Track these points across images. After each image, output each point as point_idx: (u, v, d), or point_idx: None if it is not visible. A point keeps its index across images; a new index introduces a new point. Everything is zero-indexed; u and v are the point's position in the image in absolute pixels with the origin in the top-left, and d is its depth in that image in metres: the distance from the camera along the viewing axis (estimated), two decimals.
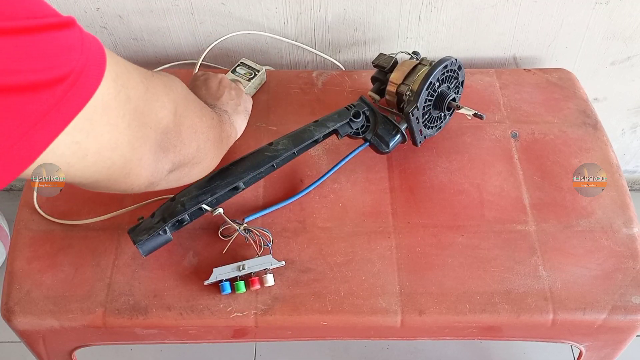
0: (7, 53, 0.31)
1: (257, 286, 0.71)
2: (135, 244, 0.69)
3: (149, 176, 0.50)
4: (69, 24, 0.35)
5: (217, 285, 0.72)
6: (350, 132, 0.78)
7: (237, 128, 0.79)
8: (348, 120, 0.77)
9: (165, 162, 0.51)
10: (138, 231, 0.70)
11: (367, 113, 0.79)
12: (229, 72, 0.94)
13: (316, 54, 1.02)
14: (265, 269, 0.72)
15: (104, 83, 0.38)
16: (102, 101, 0.38)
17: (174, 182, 0.58)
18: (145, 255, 0.70)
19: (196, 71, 0.93)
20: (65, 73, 0.34)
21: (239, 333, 0.73)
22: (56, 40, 0.34)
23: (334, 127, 0.77)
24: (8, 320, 0.71)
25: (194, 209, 0.70)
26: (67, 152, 0.37)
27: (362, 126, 0.79)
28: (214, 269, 0.71)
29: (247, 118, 0.83)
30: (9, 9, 0.31)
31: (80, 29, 0.37)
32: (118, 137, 0.42)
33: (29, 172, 0.36)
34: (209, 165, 0.65)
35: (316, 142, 0.78)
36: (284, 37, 0.99)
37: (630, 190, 0.84)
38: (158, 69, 0.97)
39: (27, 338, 0.74)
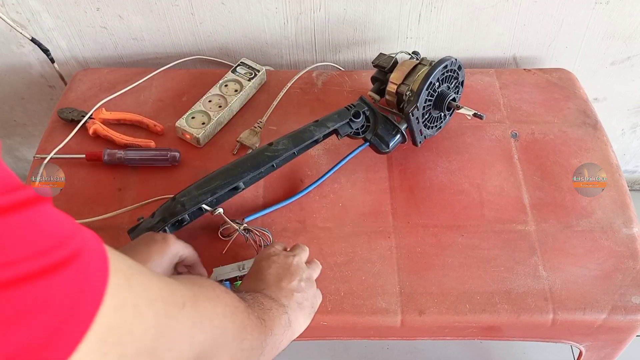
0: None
1: None
2: None
3: None
4: (67, 260, 0.28)
5: None
6: (350, 132, 0.78)
7: (294, 328, 0.62)
8: (348, 120, 0.77)
9: None
10: (138, 231, 0.70)
11: (367, 113, 0.79)
12: (229, 72, 0.94)
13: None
14: None
15: (85, 344, 0.28)
16: None
17: None
18: None
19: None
20: (27, 343, 0.26)
21: None
22: (38, 293, 0.26)
23: (334, 127, 0.77)
24: None
25: (194, 209, 0.70)
26: None
27: (362, 126, 0.79)
28: (214, 269, 0.71)
29: (311, 316, 0.66)
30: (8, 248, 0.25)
31: (82, 267, 0.29)
32: None
33: None
34: None
35: (316, 142, 0.78)
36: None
37: (630, 190, 0.84)
38: (158, 70, 0.97)
39: None
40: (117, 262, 0.31)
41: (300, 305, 0.64)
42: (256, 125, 0.88)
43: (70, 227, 0.29)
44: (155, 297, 0.34)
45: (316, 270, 0.70)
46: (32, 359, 0.26)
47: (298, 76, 0.95)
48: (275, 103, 0.91)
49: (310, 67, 0.97)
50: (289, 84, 0.94)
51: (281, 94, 0.92)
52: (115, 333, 0.30)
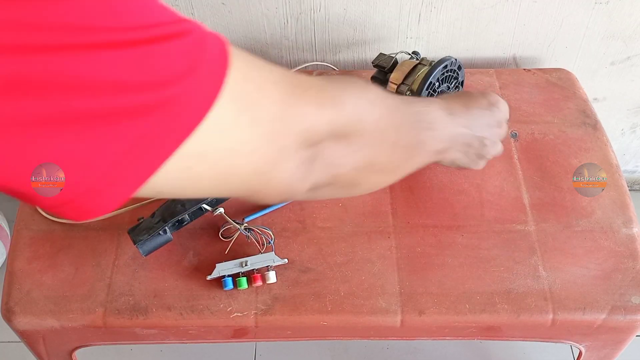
0: (116, 69, 0.27)
1: (259, 283, 0.71)
2: (135, 244, 0.69)
3: (282, 192, 0.42)
4: (184, 32, 0.31)
5: (217, 285, 0.72)
6: None
7: (449, 158, 0.64)
8: None
9: (307, 183, 0.43)
10: (138, 231, 0.70)
11: None
12: None
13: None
14: (267, 266, 0.72)
15: (221, 104, 0.32)
16: (218, 125, 0.33)
17: (312, 197, 0.49)
18: (145, 255, 0.71)
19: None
20: (179, 92, 0.30)
21: (239, 333, 0.73)
22: (169, 53, 0.30)
23: None
24: (8, 320, 0.72)
25: (194, 208, 0.70)
26: (180, 175, 0.33)
27: None
28: (217, 264, 0.72)
29: (464, 161, 0.66)
30: (121, 15, 0.28)
31: (201, 31, 0.32)
32: (239, 163, 0.36)
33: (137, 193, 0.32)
34: (367, 189, 0.55)
35: None
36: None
37: (629, 190, 0.84)
38: None
39: (27, 338, 0.74)
40: (236, 50, 0.34)
41: (459, 151, 0.63)
42: None
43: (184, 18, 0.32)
44: (276, 79, 0.38)
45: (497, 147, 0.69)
46: (184, 103, 0.30)
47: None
48: None
49: (301, 66, 0.97)
50: None
51: None
52: (245, 98, 0.35)
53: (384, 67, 0.84)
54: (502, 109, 0.68)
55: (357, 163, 0.47)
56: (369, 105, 0.47)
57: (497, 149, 0.68)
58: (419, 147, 0.55)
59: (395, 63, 0.84)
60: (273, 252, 0.73)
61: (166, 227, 0.70)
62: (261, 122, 0.36)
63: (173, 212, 0.70)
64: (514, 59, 1.05)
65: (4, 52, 0.24)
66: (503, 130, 0.69)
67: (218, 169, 0.35)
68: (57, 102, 0.26)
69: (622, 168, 1.10)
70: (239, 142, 0.35)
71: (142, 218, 0.72)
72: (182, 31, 0.31)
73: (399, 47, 1.02)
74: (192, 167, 0.33)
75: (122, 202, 0.31)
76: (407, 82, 0.80)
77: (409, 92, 0.79)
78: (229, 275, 0.71)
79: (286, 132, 0.38)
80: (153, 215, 0.71)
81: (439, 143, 0.59)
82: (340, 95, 0.44)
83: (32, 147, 0.27)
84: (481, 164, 0.68)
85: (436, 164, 0.84)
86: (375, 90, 0.49)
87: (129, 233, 0.71)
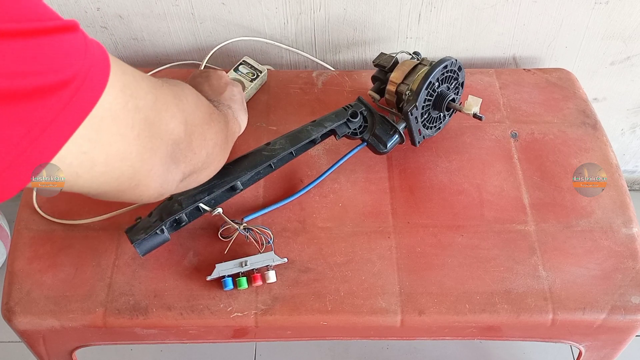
0: (11, 56, 0.30)
1: (259, 282, 0.71)
2: (132, 243, 0.69)
3: (158, 187, 0.49)
4: (72, 27, 0.35)
5: (217, 285, 0.72)
6: (348, 133, 0.78)
7: (240, 123, 0.78)
8: (345, 120, 0.78)
9: (176, 172, 0.51)
10: (135, 231, 0.70)
11: (365, 113, 0.79)
12: (231, 70, 0.94)
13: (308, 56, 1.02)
14: (267, 266, 0.72)
15: (111, 92, 0.37)
16: (110, 110, 0.38)
17: (182, 189, 0.57)
18: (143, 255, 0.70)
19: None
20: (70, 77, 0.33)
21: (239, 333, 0.73)
22: (60, 43, 0.33)
23: (332, 127, 0.77)
24: (8, 320, 0.72)
25: (191, 207, 0.70)
26: (75, 161, 0.36)
27: (360, 126, 0.79)
28: (216, 265, 0.72)
29: (246, 113, 0.82)
30: (12, 10, 0.31)
31: (84, 33, 0.36)
32: (127, 148, 0.41)
33: None
34: (216, 168, 0.64)
35: (314, 142, 0.77)
36: (281, 42, 0.99)
37: (629, 190, 0.84)
38: (158, 69, 0.97)
39: (28, 338, 0.74)
40: (113, 58, 0.39)
41: (241, 106, 0.79)
42: None
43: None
44: (143, 76, 0.44)
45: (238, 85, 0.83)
46: (77, 87, 0.34)
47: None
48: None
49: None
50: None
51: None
52: (129, 88, 0.40)
53: (385, 67, 0.84)
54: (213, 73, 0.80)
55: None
56: (194, 100, 0.55)
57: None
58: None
59: (396, 63, 0.84)
60: (272, 251, 0.73)
61: (163, 227, 0.69)
62: (142, 109, 0.42)
63: (170, 211, 0.70)
64: (514, 59, 1.05)
65: None
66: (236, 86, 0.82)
67: (111, 155, 0.40)
68: None
69: (622, 168, 1.10)
70: (126, 126, 0.40)
71: (140, 218, 0.72)
72: (70, 26, 0.34)
73: (399, 47, 1.02)
74: (88, 153, 0.37)
75: (21, 187, 0.34)
76: (407, 81, 0.80)
77: (408, 92, 0.79)
78: (228, 276, 0.71)
79: (158, 120, 0.45)
80: (150, 214, 0.71)
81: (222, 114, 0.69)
82: (179, 101, 0.51)
83: None
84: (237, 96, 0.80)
85: (436, 164, 0.84)
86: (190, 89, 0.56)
87: (126, 233, 0.71)
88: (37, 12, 0.33)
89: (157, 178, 0.47)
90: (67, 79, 0.33)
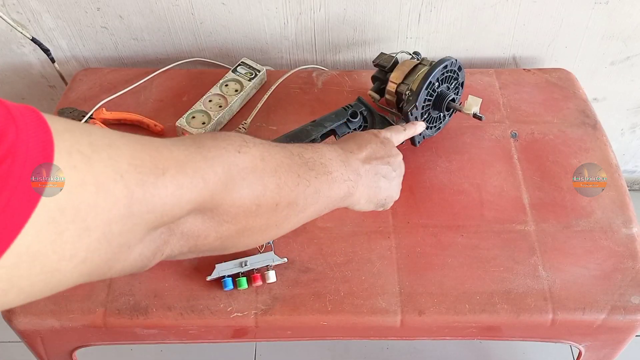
0: None
1: (259, 282, 0.72)
2: None
3: (130, 272, 0.38)
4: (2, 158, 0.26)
5: (217, 285, 0.72)
6: (348, 132, 0.78)
7: (351, 201, 0.59)
8: (345, 120, 0.78)
9: (160, 256, 0.40)
10: None
11: (365, 113, 0.79)
12: (230, 71, 0.94)
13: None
14: (267, 266, 0.72)
15: (32, 226, 0.27)
16: (28, 253, 0.28)
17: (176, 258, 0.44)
18: None
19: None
20: None
21: (239, 333, 0.73)
22: None
23: (331, 127, 0.77)
24: (9, 320, 0.72)
25: None
26: (6, 276, 0.28)
27: (360, 126, 0.79)
28: (216, 265, 0.72)
29: (376, 207, 0.63)
30: None
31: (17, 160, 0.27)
32: (68, 268, 0.31)
33: None
34: (244, 248, 0.50)
35: (313, 142, 0.77)
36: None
37: (629, 190, 0.84)
38: (159, 70, 0.97)
39: (28, 338, 0.74)
40: (72, 143, 0.30)
41: (371, 187, 0.59)
42: (240, 126, 0.88)
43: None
44: (125, 169, 0.33)
45: (402, 167, 0.66)
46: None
47: (286, 76, 0.95)
48: (259, 105, 0.91)
49: (301, 67, 0.97)
50: (274, 86, 0.94)
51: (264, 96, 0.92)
52: (69, 212, 0.29)
53: (385, 67, 0.84)
54: (394, 142, 0.67)
55: (223, 233, 0.43)
56: (240, 171, 0.42)
57: (399, 180, 0.65)
58: (315, 198, 0.51)
59: (396, 63, 0.84)
60: (272, 251, 0.73)
61: None
62: (92, 230, 0.31)
63: None
64: (514, 58, 1.05)
65: None
66: (400, 163, 0.66)
67: (46, 271, 0.30)
68: None
69: (622, 168, 1.10)
70: (58, 259, 0.30)
71: None
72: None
73: (398, 47, 1.02)
74: (11, 279, 0.28)
75: None
76: (407, 81, 0.81)
77: (408, 92, 0.79)
78: (228, 276, 0.72)
79: (130, 228, 0.34)
80: None
81: (342, 184, 0.54)
82: (205, 169, 0.39)
83: None
84: (389, 203, 0.65)
85: (436, 164, 0.84)
86: (254, 151, 0.44)
87: None
88: None
89: (125, 270, 0.37)
90: None
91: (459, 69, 0.80)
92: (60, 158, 0.29)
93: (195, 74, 0.98)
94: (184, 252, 0.42)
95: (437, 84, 0.78)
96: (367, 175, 0.59)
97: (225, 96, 0.91)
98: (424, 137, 0.82)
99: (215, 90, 0.92)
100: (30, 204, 0.27)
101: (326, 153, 0.54)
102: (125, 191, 0.32)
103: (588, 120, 0.90)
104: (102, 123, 0.88)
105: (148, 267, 0.39)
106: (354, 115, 0.78)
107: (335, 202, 0.55)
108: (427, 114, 0.80)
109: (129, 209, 0.33)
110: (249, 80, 0.93)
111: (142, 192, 0.33)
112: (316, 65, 1.01)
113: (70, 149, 0.30)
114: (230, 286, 0.71)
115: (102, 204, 0.31)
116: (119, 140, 0.34)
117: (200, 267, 0.74)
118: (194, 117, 0.88)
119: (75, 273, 0.32)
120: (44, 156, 0.28)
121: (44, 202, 0.28)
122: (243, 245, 0.48)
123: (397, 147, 0.67)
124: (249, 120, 0.89)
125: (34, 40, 0.96)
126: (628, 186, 1.01)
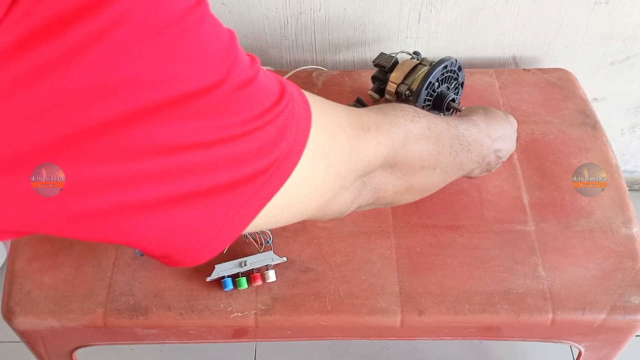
0: (231, 156, 0.31)
1: (259, 282, 0.72)
2: None
3: (333, 216, 0.47)
4: (282, 112, 0.34)
5: (217, 285, 0.72)
6: None
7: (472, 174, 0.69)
8: None
9: (355, 205, 0.48)
10: None
11: None
12: None
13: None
14: (266, 265, 0.72)
15: (303, 158, 0.36)
16: (299, 179, 0.36)
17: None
18: (141, 255, 0.71)
19: None
20: (270, 163, 0.33)
21: (239, 333, 0.73)
22: (269, 134, 0.33)
23: None
24: (9, 320, 0.72)
25: None
26: (262, 223, 0.37)
27: None
28: (216, 265, 0.72)
29: (495, 166, 0.73)
30: (237, 113, 0.31)
31: (291, 104, 0.35)
32: (311, 204, 0.41)
33: None
34: (398, 204, 0.59)
35: None
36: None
37: (629, 190, 0.84)
38: None
39: (28, 338, 0.74)
40: (314, 101, 0.38)
41: (490, 166, 0.71)
42: None
43: (280, 85, 0.35)
44: (345, 124, 0.42)
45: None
46: (274, 171, 0.34)
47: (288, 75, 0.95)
48: None
49: (301, 68, 0.97)
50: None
51: None
52: (321, 149, 0.38)
53: (385, 67, 0.84)
54: (515, 122, 0.75)
55: (397, 188, 0.52)
56: (414, 137, 0.51)
57: (504, 160, 0.74)
58: (455, 169, 0.60)
59: (396, 63, 0.84)
60: (272, 251, 0.73)
61: None
62: (332, 167, 0.40)
63: None
64: (514, 59, 1.05)
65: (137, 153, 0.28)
66: (515, 141, 0.75)
67: (294, 212, 0.40)
68: (183, 184, 0.30)
69: (622, 168, 1.10)
70: (313, 188, 0.39)
71: None
72: (281, 111, 0.34)
73: (398, 47, 1.02)
74: (275, 216, 0.38)
75: (213, 256, 0.35)
76: (407, 81, 0.81)
77: (408, 92, 0.79)
78: (228, 276, 0.71)
79: (349, 171, 0.43)
80: None
81: (474, 164, 0.64)
82: (392, 131, 0.48)
83: (156, 219, 0.31)
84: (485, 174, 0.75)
85: None
86: (423, 121, 0.53)
87: None
88: (259, 104, 0.32)
89: (334, 212, 0.46)
90: (266, 166, 0.33)
91: (459, 69, 0.80)
92: (314, 107, 0.37)
93: None
94: (369, 204, 0.50)
95: (437, 84, 0.78)
96: (491, 159, 0.69)
97: None
98: None
99: None
100: (305, 138, 0.36)
101: (474, 133, 0.62)
102: (348, 140, 0.42)
103: (588, 120, 0.90)
104: None
105: (345, 214, 0.48)
106: None
107: (459, 176, 0.65)
108: None
109: (349, 155, 0.42)
110: None
111: (357, 143, 0.43)
112: (316, 65, 1.01)
113: (314, 101, 0.38)
114: (230, 286, 0.71)
115: (337, 147, 0.40)
116: (334, 104, 0.43)
117: (200, 268, 0.74)
118: None
119: (315, 204, 0.41)
120: (306, 110, 0.37)
121: (312, 137, 0.36)
122: (404, 201, 0.57)
123: None
124: None
125: None
126: (628, 186, 1.01)
